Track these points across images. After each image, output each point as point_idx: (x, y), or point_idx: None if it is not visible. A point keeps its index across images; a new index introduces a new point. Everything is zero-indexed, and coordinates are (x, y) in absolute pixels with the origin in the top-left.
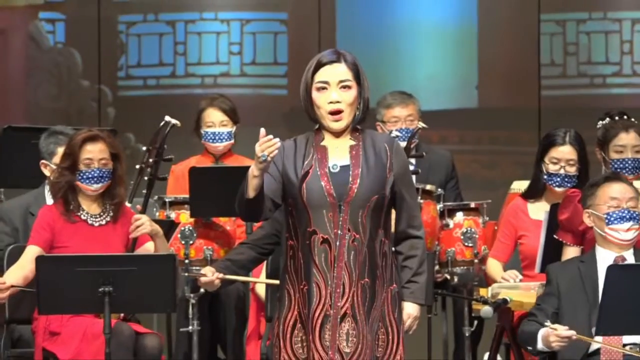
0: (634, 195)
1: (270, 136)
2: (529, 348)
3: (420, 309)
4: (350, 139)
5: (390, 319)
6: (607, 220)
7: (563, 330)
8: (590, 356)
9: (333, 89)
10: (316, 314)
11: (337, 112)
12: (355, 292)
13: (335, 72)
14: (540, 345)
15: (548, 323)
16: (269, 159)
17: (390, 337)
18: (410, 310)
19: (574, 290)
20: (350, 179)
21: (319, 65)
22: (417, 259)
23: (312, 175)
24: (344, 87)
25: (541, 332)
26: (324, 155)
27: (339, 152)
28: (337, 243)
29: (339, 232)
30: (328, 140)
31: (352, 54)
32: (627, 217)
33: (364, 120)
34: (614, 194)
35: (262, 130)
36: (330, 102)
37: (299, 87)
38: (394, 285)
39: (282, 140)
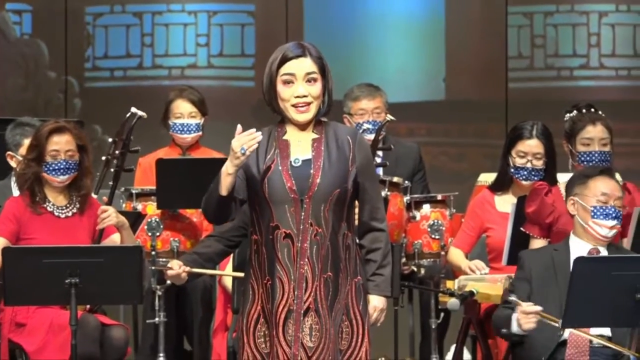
0: (620, 195)
1: (252, 129)
2: (503, 331)
3: (387, 301)
4: (314, 132)
5: (354, 312)
6: (592, 213)
7: (527, 306)
8: (561, 346)
9: (299, 82)
10: (279, 309)
11: (304, 105)
12: (318, 286)
13: (302, 66)
14: (515, 327)
15: (513, 297)
16: (247, 152)
17: (354, 330)
18: (376, 302)
19: (545, 278)
20: (312, 173)
21: (285, 59)
22: (380, 251)
23: (273, 170)
24: (310, 80)
25: (514, 315)
26: (286, 149)
27: (301, 145)
28: (300, 238)
29: (301, 226)
30: (291, 134)
31: (315, 46)
32: (613, 215)
33: (328, 112)
34: (605, 189)
35: (239, 127)
36: (297, 96)
37: None
38: (359, 277)
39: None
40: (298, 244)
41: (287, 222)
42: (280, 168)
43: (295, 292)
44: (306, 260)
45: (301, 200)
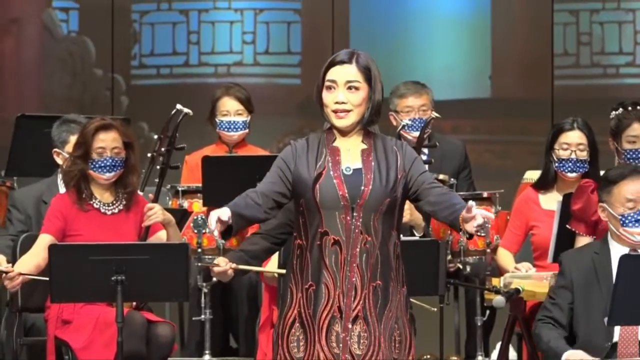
0: None
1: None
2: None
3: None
4: (363, 142)
5: (403, 321)
6: (622, 222)
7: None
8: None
9: (340, 89)
10: (323, 315)
11: (343, 112)
12: (367, 294)
13: (344, 73)
14: None
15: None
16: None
17: (404, 337)
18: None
19: (588, 282)
20: (364, 182)
21: (331, 64)
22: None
23: (325, 177)
24: (351, 88)
25: (566, 355)
26: (337, 157)
27: (350, 154)
28: (349, 245)
29: (352, 234)
30: (340, 141)
31: (367, 55)
32: None
33: (374, 123)
34: (630, 194)
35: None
36: (336, 102)
37: (312, 76)
38: (405, 287)
39: (294, 138)
40: (346, 252)
41: (337, 228)
42: (332, 175)
43: (343, 299)
44: (355, 267)
45: (352, 207)
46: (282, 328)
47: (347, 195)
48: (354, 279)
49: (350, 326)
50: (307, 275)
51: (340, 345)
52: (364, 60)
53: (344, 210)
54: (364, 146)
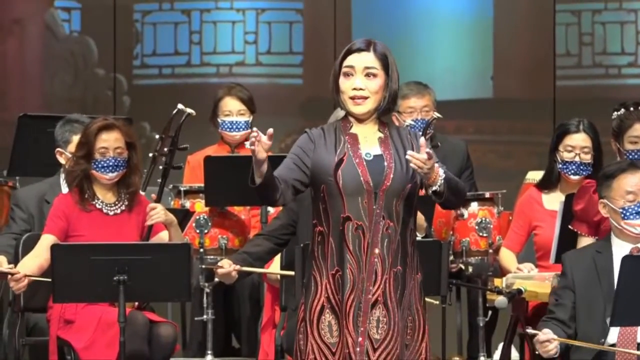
0: None
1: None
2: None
3: (439, 175)
4: (379, 130)
5: (417, 307)
6: (623, 215)
7: (541, 335)
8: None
9: (358, 75)
10: (349, 300)
11: (360, 98)
12: (388, 279)
13: (363, 59)
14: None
15: (529, 329)
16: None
17: (416, 325)
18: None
19: (589, 282)
20: (386, 168)
21: (348, 52)
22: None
23: (347, 162)
24: (369, 74)
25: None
26: (356, 143)
27: (368, 141)
28: (372, 230)
29: (374, 219)
30: (356, 128)
31: (384, 45)
32: None
33: (390, 110)
34: (629, 187)
35: (270, 130)
36: (354, 89)
37: (314, 76)
38: (419, 274)
39: (309, 129)
40: (369, 236)
41: (359, 214)
42: (354, 161)
43: (365, 284)
44: (377, 253)
45: (375, 193)
46: (310, 315)
47: (370, 180)
48: (374, 264)
49: (369, 310)
50: (332, 261)
51: (360, 329)
52: (382, 49)
53: (367, 196)
54: (381, 134)
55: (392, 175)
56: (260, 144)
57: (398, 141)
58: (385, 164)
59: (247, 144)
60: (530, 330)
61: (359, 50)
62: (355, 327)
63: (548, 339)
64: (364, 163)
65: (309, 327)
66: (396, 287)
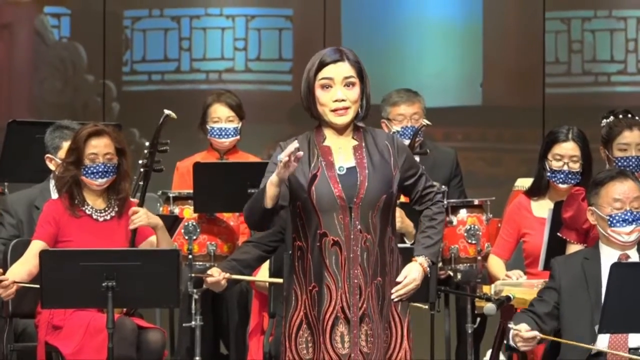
0: (638, 195)
1: (295, 143)
2: (505, 342)
3: (423, 275)
4: (353, 138)
5: (393, 313)
6: (609, 222)
7: (525, 332)
8: (594, 357)
9: (338, 86)
10: (327, 316)
11: (343, 109)
12: (370, 292)
13: (340, 70)
14: (511, 342)
15: (512, 325)
16: (292, 163)
17: (393, 331)
18: (415, 271)
19: (576, 288)
20: (359, 181)
21: (323, 64)
22: (442, 223)
23: (320, 179)
24: (349, 84)
25: (510, 332)
26: (329, 157)
27: (342, 152)
28: (350, 245)
29: (351, 234)
30: (330, 139)
31: (353, 51)
32: (630, 219)
33: (366, 117)
34: (617, 195)
35: (295, 143)
36: (336, 100)
37: None
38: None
39: (283, 142)
40: (347, 252)
41: (336, 229)
42: (327, 176)
43: (349, 299)
44: (358, 267)
45: (349, 207)
46: (289, 330)
47: (343, 195)
48: (357, 278)
49: (358, 325)
50: (310, 277)
51: (347, 345)
52: (353, 56)
53: (342, 211)
54: (355, 142)
55: (365, 186)
56: (292, 165)
57: (374, 148)
58: (359, 176)
59: (284, 157)
60: (512, 326)
61: (335, 61)
62: (332, 344)
63: (534, 335)
64: (337, 178)
65: (287, 342)
66: (377, 300)
